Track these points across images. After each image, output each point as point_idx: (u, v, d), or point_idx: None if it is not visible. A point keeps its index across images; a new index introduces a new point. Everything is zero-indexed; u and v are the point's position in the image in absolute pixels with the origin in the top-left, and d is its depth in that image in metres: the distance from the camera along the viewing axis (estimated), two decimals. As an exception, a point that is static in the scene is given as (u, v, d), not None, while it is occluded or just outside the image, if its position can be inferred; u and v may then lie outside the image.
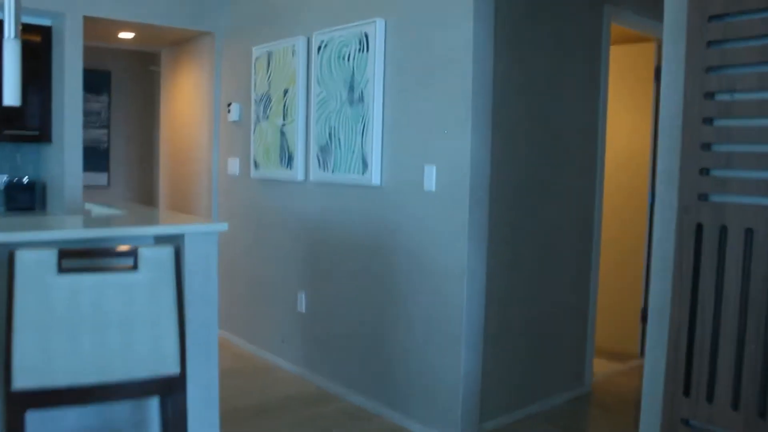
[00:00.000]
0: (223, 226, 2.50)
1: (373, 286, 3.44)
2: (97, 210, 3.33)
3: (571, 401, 3.77)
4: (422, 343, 3.18)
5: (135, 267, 1.97)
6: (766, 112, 1.88)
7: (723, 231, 1.97)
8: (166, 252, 2.02)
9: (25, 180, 4.38)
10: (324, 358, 3.83)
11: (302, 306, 3.97)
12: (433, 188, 3.09)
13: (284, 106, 3.96)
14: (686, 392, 2.02)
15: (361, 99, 3.39)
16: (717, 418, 1.94)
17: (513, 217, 3.24)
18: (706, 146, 2.03)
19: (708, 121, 2.03)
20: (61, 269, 1.88)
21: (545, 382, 3.62)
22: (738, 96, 1.95)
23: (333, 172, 3.58)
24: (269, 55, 4.12)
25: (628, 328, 4.75)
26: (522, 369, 3.46)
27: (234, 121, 4.59)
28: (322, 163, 3.66)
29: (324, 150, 3.64)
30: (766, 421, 1.83)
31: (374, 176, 3.34)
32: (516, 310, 3.36)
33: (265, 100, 4.15)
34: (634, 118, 4.66)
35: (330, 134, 3.59)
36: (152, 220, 2.70)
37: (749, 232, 1.90)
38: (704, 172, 2.03)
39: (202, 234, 2.46)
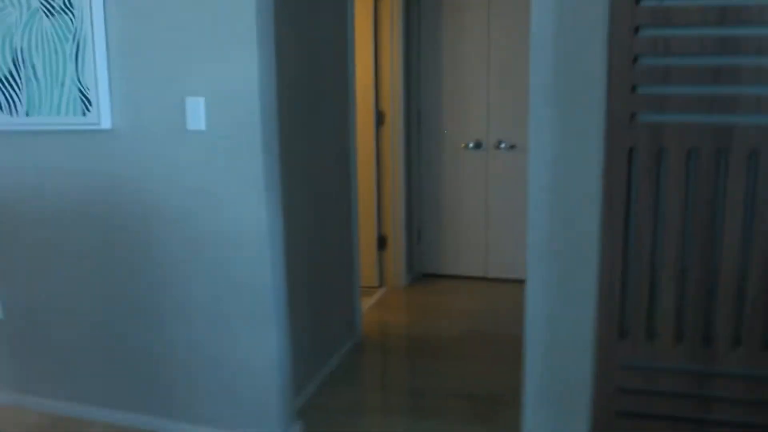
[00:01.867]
0: None
1: (119, 269, 2.54)
2: None
3: (351, 353, 3.45)
4: (209, 332, 2.47)
5: None
6: (708, 20, 1.67)
7: (660, 154, 1.75)
8: None
9: None
10: (50, 376, 2.79)
11: (-9, 308, 2.82)
12: (203, 127, 2.33)
13: None
14: (622, 334, 1.82)
15: (68, 6, 2.36)
16: (660, 355, 1.79)
17: (285, 157, 2.66)
18: (636, 60, 1.77)
19: (638, 30, 1.76)
20: None
21: (327, 341, 3.21)
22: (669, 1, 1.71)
23: (28, 115, 2.49)
24: None
25: (364, 257, 4.58)
26: (309, 334, 2.98)
27: None
28: (5, 104, 2.52)
29: (6, 84, 2.50)
30: (712, 349, 1.73)
31: (102, 117, 2.40)
32: (298, 266, 2.84)
33: None
34: (359, 36, 4.33)
35: (15, 60, 2.47)
36: None
37: (692, 153, 1.72)
38: (634, 89, 1.78)
39: None
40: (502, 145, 4.55)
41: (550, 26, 1.97)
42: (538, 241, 2.10)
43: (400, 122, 4.42)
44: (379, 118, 4.42)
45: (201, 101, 2.30)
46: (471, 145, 4.60)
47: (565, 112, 2.01)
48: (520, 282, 4.73)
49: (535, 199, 2.05)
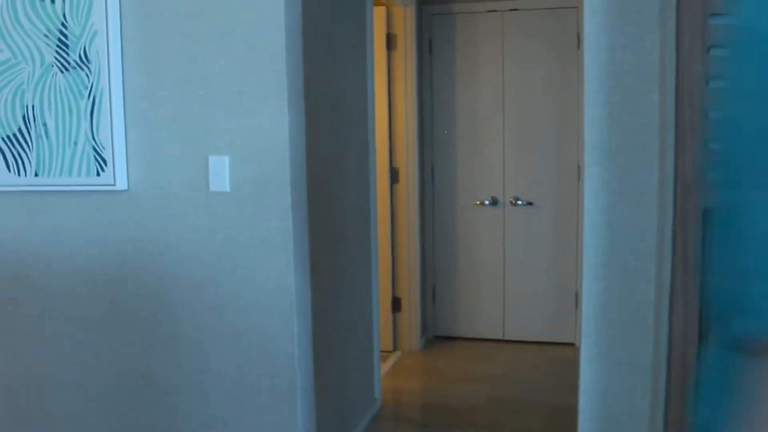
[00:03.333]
0: None
1: (132, 339, 2.37)
2: None
3: (372, 424, 3.24)
4: (229, 407, 2.28)
5: None
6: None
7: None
8: None
9: None
10: (40, 454, 2.58)
11: (-13, 383, 2.62)
12: (227, 188, 2.20)
13: None
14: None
15: (85, 61, 2.25)
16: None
17: (310, 218, 2.52)
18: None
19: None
20: None
21: (349, 412, 3.02)
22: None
23: (37, 175, 2.36)
24: None
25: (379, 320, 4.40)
26: (331, 405, 2.80)
27: None
28: (13, 164, 2.39)
29: (14, 142, 2.37)
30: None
31: (118, 177, 2.26)
32: (320, 333, 2.68)
33: None
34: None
35: (26, 117, 2.35)
36: None
37: None
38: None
39: None
40: (519, 202, 4.45)
41: (604, 79, 1.87)
42: (592, 311, 1.96)
43: (414, 179, 4.32)
44: (393, 176, 4.32)
45: (225, 160, 2.18)
46: (487, 202, 4.49)
47: (620, 170, 1.90)
48: (539, 344, 4.55)
49: (589, 266, 1.92)
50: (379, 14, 4.10)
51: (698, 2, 1.58)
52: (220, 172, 2.19)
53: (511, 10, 4.33)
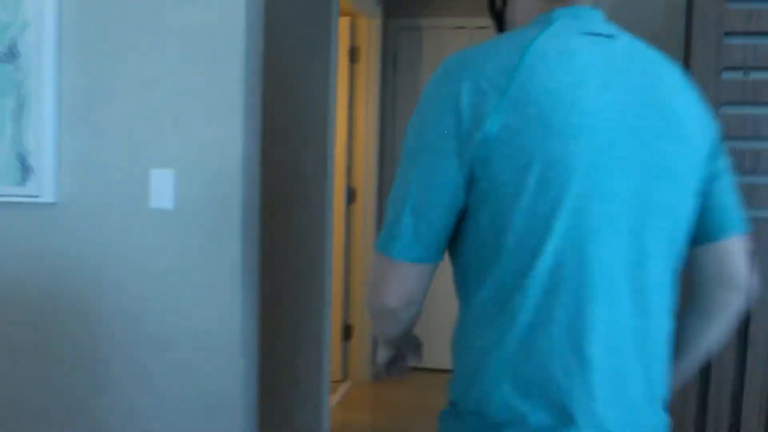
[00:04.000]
0: None
1: (56, 371, 2.09)
2: None
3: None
4: (157, 452, 2.02)
5: None
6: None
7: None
8: None
9: None
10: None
11: None
12: (170, 205, 1.96)
13: None
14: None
15: (13, 53, 1.99)
16: None
17: (264, 243, 2.30)
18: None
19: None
20: None
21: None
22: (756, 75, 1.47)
23: (-50, 180, 2.07)
24: None
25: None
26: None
27: None
28: None
29: (-76, 142, 2.08)
30: None
31: (45, 188, 2.00)
32: (270, 366, 2.44)
33: None
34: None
35: (-60, 114, 2.06)
36: None
37: None
38: None
39: None
40: (480, 228, 4.30)
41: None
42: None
43: (372, 201, 4.12)
44: (350, 195, 4.12)
45: (169, 174, 1.94)
46: (446, 226, 4.33)
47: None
48: (495, 376, 4.39)
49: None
50: (343, 25, 3.92)
51: (713, 20, 1.44)
52: (163, 187, 1.95)
53: (479, 27, 4.21)
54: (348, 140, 4.02)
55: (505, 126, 0.93)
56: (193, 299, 1.95)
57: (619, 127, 0.96)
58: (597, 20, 1.03)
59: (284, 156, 2.46)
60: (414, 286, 1.04)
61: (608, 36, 1.01)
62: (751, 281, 1.09)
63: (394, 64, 4.30)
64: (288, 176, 2.51)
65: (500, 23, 1.17)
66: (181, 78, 1.93)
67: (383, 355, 1.32)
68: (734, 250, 1.09)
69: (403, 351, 1.34)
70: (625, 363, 0.99)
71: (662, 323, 1.03)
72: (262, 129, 2.15)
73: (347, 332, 4.18)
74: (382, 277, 1.04)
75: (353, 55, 4.01)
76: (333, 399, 3.82)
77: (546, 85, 0.93)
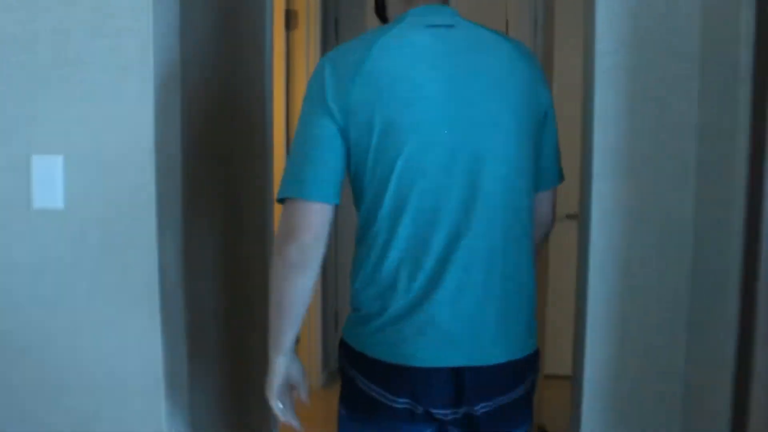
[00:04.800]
0: None
1: None
2: None
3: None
4: None
5: None
6: None
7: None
8: None
9: None
10: None
11: None
12: (59, 204, 1.47)
13: None
14: None
15: None
16: None
17: (187, 250, 1.83)
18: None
19: None
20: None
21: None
22: None
23: None
24: None
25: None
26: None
27: None
28: None
29: None
30: None
31: None
32: (202, 386, 1.99)
33: None
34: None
35: None
36: None
37: None
38: None
39: None
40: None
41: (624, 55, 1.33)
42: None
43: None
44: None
45: (58, 162, 1.46)
46: (399, 211, 3.93)
47: (644, 188, 1.37)
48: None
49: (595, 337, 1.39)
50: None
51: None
52: (50, 181, 1.46)
53: (430, -10, 3.79)
54: (286, 120, 3.56)
55: (356, 101, 1.27)
56: (96, 328, 1.48)
57: (445, 94, 1.28)
58: (442, 14, 1.34)
59: (215, 143, 2.00)
60: (319, 221, 1.30)
61: (448, 26, 1.32)
62: (550, 220, 1.51)
63: (336, 31, 3.84)
64: (220, 167, 2.05)
65: (384, 21, 1.49)
66: (69, 36, 1.44)
67: (276, 370, 1.40)
68: (543, 199, 1.46)
69: (293, 379, 1.44)
70: (457, 273, 1.29)
71: (491, 243, 1.31)
72: (184, 106, 1.68)
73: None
74: (292, 217, 1.31)
75: (290, 20, 3.53)
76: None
77: (385, 68, 1.28)
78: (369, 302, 1.34)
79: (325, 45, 3.80)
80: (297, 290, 1.35)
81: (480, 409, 1.31)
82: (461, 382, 1.29)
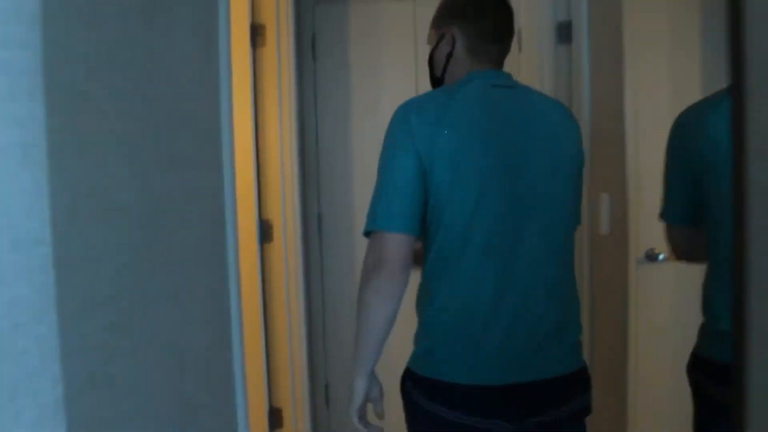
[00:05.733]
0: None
1: None
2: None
3: None
4: None
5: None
6: None
7: None
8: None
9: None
10: None
11: None
12: None
13: None
14: None
15: None
16: None
17: (122, 317, 1.20)
18: None
19: None
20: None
21: None
22: None
23: None
24: None
25: None
26: None
27: None
28: None
29: None
30: None
31: None
32: None
33: None
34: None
35: None
36: None
37: None
38: None
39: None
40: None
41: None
42: None
43: (295, 234, 3.05)
44: (264, 232, 3.04)
45: None
46: (396, 260, 3.31)
47: None
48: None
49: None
50: (238, -5, 2.85)
51: None
52: None
53: (423, -3, 3.23)
54: (255, 155, 2.96)
55: (441, 146, 1.44)
56: None
57: (516, 144, 1.49)
58: (502, 77, 1.61)
59: (148, 187, 1.39)
60: (407, 252, 1.46)
61: (510, 87, 1.58)
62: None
63: (313, 49, 3.27)
64: (154, 217, 1.43)
65: (437, 84, 1.74)
66: None
67: (359, 392, 1.54)
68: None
69: (370, 397, 1.58)
70: (526, 298, 1.49)
71: (551, 273, 1.52)
72: (97, 137, 1.07)
73: (275, 419, 3.08)
74: (382, 249, 1.45)
75: (255, 35, 2.95)
76: None
77: (466, 118, 1.48)
78: (443, 330, 1.48)
79: (301, 65, 3.22)
80: (387, 318, 1.49)
81: (539, 420, 1.46)
82: (526, 396, 1.45)
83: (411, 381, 1.52)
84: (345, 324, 3.36)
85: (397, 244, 1.43)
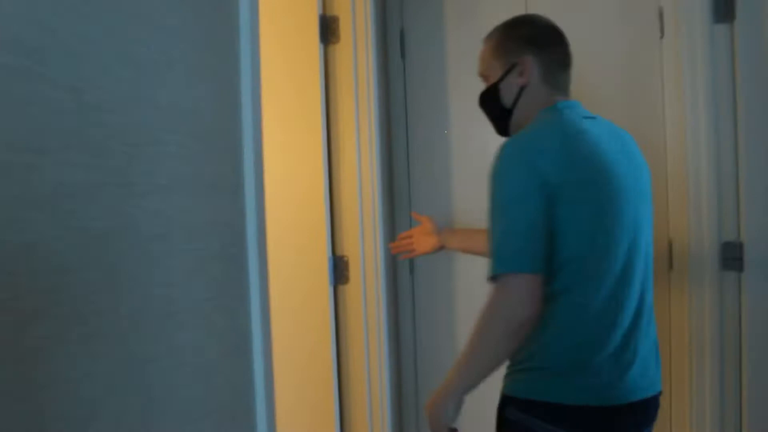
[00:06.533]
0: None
1: None
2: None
3: None
4: None
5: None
6: None
7: None
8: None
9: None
10: None
11: None
12: None
13: None
14: None
15: None
16: None
17: None
18: None
19: None
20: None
21: None
22: None
23: None
24: None
25: None
26: None
27: None
28: None
29: None
30: None
31: None
32: None
33: None
34: (291, 113, 2.44)
35: None
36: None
37: None
38: None
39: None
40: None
41: None
42: None
43: (377, 273, 2.45)
44: (339, 271, 2.46)
45: None
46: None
47: None
48: None
49: None
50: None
51: None
52: None
53: (538, -24, 2.56)
54: (328, 175, 2.41)
55: (564, 179, 1.47)
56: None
57: (626, 172, 1.56)
58: (580, 107, 1.66)
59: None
60: (541, 292, 1.47)
61: (593, 117, 1.63)
62: None
63: (401, 46, 2.68)
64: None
65: (504, 122, 1.76)
66: None
67: (449, 417, 1.59)
68: None
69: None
70: (642, 321, 1.58)
71: (651, 295, 1.62)
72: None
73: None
74: (520, 289, 1.45)
75: (326, 30, 2.42)
76: None
77: (582, 151, 1.51)
78: (565, 354, 1.50)
79: (387, 66, 2.65)
80: (509, 351, 1.52)
81: None
82: (636, 414, 1.53)
83: (522, 407, 1.52)
84: (438, 378, 2.71)
85: (535, 285, 1.46)
